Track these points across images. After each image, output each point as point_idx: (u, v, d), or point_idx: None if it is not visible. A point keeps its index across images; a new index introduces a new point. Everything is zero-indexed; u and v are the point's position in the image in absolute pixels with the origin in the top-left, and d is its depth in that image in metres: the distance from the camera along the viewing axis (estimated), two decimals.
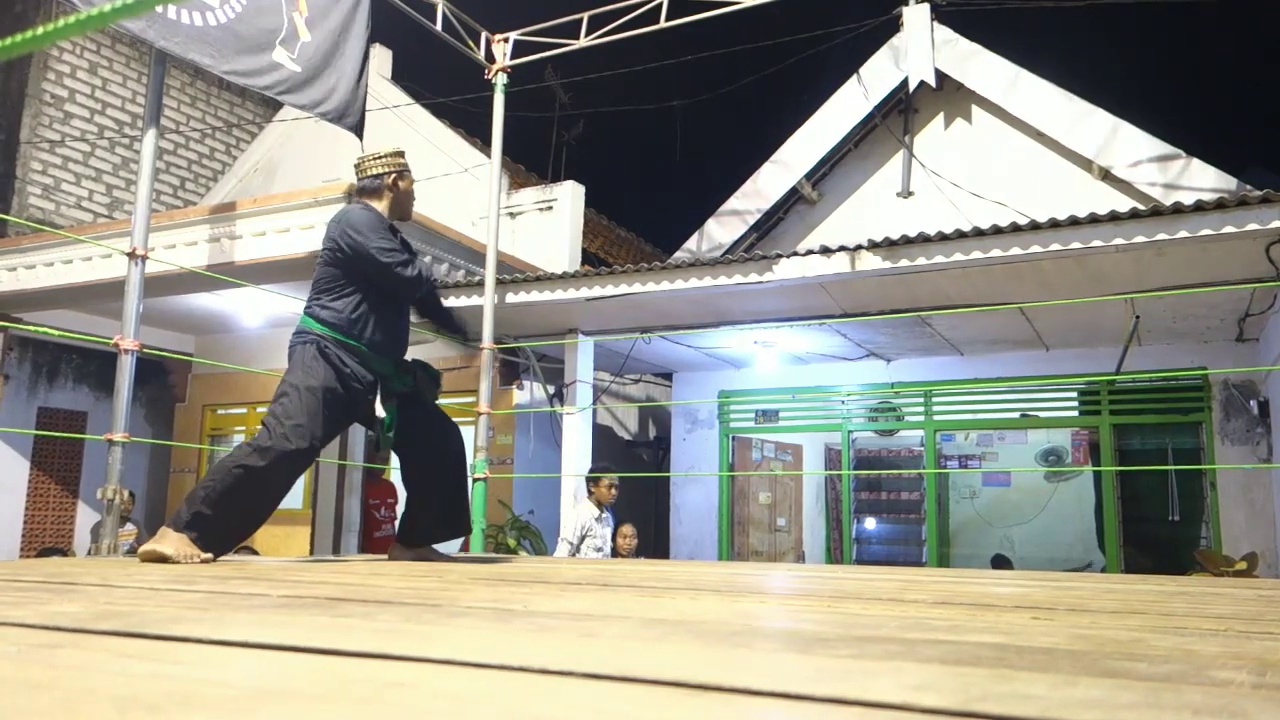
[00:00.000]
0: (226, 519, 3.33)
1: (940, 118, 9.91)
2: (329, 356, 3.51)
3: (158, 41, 4.89)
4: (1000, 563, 10.09)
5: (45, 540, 10.35)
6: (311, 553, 9.68)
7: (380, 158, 3.80)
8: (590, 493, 7.04)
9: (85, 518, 10.56)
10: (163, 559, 3.17)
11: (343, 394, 3.53)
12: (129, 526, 8.51)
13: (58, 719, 0.72)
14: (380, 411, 3.67)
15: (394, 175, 3.78)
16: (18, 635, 1.24)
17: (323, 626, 1.39)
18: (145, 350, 4.77)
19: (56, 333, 5.33)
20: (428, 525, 3.85)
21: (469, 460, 6.45)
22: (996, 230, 6.07)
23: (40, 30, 0.89)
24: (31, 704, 0.78)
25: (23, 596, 1.84)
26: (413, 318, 3.92)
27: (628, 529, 7.28)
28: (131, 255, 4.70)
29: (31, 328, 7.73)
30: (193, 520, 3.30)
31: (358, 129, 5.90)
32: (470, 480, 6.36)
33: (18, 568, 2.98)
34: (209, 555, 3.32)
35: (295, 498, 10.30)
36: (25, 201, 10.88)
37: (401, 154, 3.86)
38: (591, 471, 7.24)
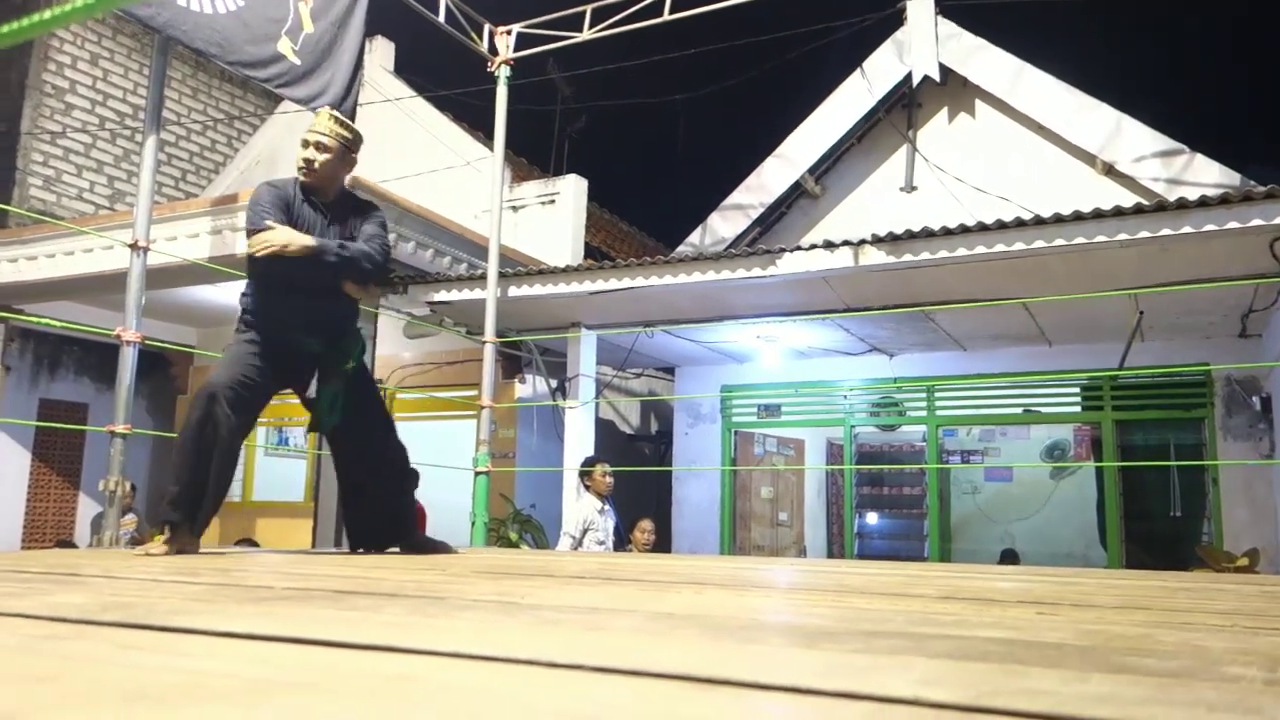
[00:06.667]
0: (188, 481, 3.31)
1: (944, 112, 9.89)
2: (248, 332, 3.51)
3: (166, 29, 4.88)
4: (1009, 558, 10.09)
5: (47, 531, 10.37)
6: (313, 546, 9.69)
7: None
8: (587, 487, 7.02)
9: (86, 509, 10.58)
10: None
11: (267, 348, 3.47)
12: (129, 516, 8.53)
13: (65, 711, 0.72)
14: (313, 391, 3.60)
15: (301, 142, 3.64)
16: (22, 626, 1.24)
17: (329, 619, 1.39)
18: (147, 342, 4.77)
19: (58, 324, 5.34)
20: (378, 528, 3.77)
21: (473, 454, 6.47)
22: (1000, 225, 6.06)
23: (49, 13, 0.88)
24: (38, 696, 0.78)
25: (26, 588, 1.84)
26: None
27: (646, 524, 7.27)
28: (133, 247, 4.70)
29: (33, 319, 7.73)
30: (166, 512, 3.31)
31: None
32: (473, 474, 6.37)
33: (20, 559, 2.98)
34: (178, 541, 3.28)
35: (297, 490, 10.30)
36: (26, 193, 10.88)
37: (318, 120, 3.65)
38: (583, 466, 7.22)
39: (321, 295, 3.53)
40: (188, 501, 3.30)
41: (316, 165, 3.56)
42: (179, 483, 3.32)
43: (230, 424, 3.36)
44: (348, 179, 3.79)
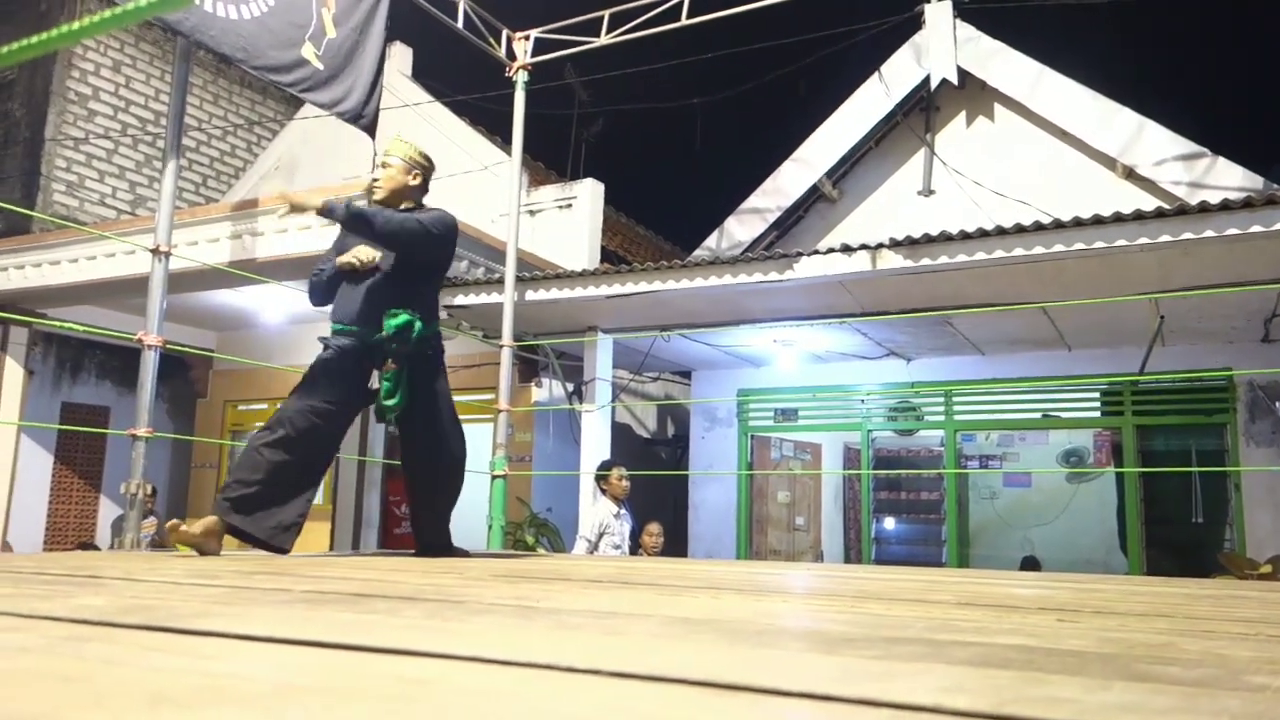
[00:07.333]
0: (252, 486, 3.48)
1: (962, 116, 9.84)
2: (325, 340, 3.77)
3: (193, 34, 4.92)
4: (1030, 564, 10.02)
5: (69, 533, 10.46)
6: (331, 548, 9.73)
7: None
8: (603, 490, 7.02)
9: (108, 511, 10.67)
10: (191, 540, 3.37)
11: (341, 360, 3.68)
12: (149, 519, 8.58)
13: (90, 713, 0.73)
14: (375, 382, 3.71)
15: None
16: (46, 628, 1.25)
17: (347, 623, 1.39)
18: (168, 346, 4.81)
19: (81, 328, 5.40)
20: (437, 530, 3.97)
21: (489, 457, 6.49)
22: (1019, 229, 6.02)
23: (79, 24, 0.89)
24: (65, 697, 0.78)
25: (49, 589, 1.86)
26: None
27: (654, 527, 7.26)
28: (155, 252, 4.74)
29: (56, 323, 7.80)
30: (220, 503, 3.47)
31: (371, 129, 5.95)
32: (490, 478, 6.38)
33: (42, 560, 3.01)
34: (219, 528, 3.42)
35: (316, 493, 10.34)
36: (50, 198, 10.99)
37: (389, 144, 4.04)
38: (599, 469, 7.22)
39: (373, 283, 3.73)
40: (232, 500, 3.45)
41: (379, 181, 3.88)
42: (230, 482, 3.51)
43: (297, 449, 3.53)
44: (424, 199, 4.01)
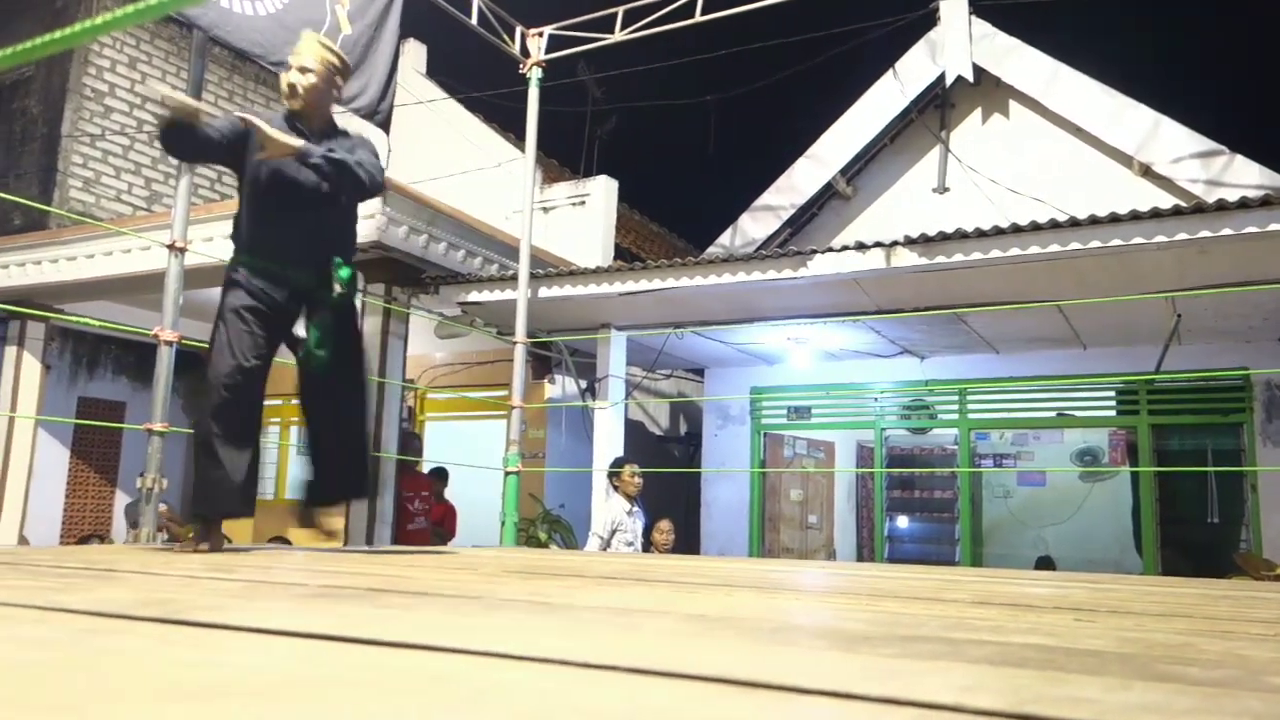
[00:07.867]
0: (204, 475, 3.33)
1: (977, 113, 9.80)
2: (237, 279, 3.38)
3: (211, 30, 4.94)
4: (1045, 564, 9.97)
5: (84, 527, 10.53)
6: (345, 544, 9.77)
7: None
8: (616, 487, 7.02)
9: (123, 505, 10.73)
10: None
11: (260, 308, 3.35)
12: (162, 505, 8.61)
13: (112, 705, 0.73)
14: (301, 331, 3.44)
15: None
16: (66, 620, 1.26)
17: (364, 617, 1.40)
18: (184, 342, 4.83)
19: (97, 323, 5.41)
20: (343, 479, 3.65)
21: (503, 454, 6.50)
22: (1035, 227, 5.99)
23: (97, 20, 0.90)
24: (86, 688, 0.79)
25: (67, 582, 1.87)
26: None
27: (665, 524, 7.25)
28: (171, 248, 4.76)
29: (73, 318, 7.84)
30: (199, 511, 3.35)
31: (385, 125, 5.95)
32: (503, 474, 6.39)
33: (60, 554, 3.03)
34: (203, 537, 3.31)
35: None
36: (66, 194, 11.05)
37: (303, 45, 3.52)
38: (611, 467, 7.22)
39: (314, 217, 3.41)
40: (211, 498, 3.32)
41: (301, 89, 3.41)
42: (203, 482, 3.33)
43: (240, 413, 3.35)
44: (335, 109, 3.62)
